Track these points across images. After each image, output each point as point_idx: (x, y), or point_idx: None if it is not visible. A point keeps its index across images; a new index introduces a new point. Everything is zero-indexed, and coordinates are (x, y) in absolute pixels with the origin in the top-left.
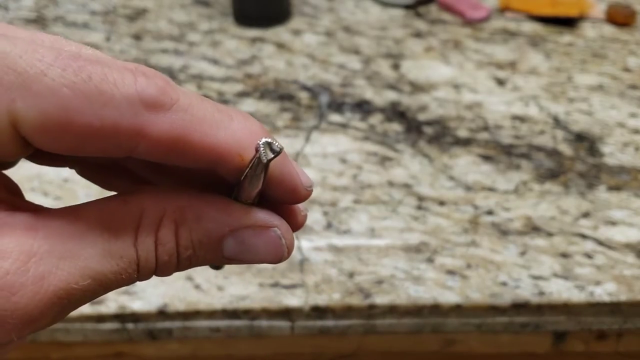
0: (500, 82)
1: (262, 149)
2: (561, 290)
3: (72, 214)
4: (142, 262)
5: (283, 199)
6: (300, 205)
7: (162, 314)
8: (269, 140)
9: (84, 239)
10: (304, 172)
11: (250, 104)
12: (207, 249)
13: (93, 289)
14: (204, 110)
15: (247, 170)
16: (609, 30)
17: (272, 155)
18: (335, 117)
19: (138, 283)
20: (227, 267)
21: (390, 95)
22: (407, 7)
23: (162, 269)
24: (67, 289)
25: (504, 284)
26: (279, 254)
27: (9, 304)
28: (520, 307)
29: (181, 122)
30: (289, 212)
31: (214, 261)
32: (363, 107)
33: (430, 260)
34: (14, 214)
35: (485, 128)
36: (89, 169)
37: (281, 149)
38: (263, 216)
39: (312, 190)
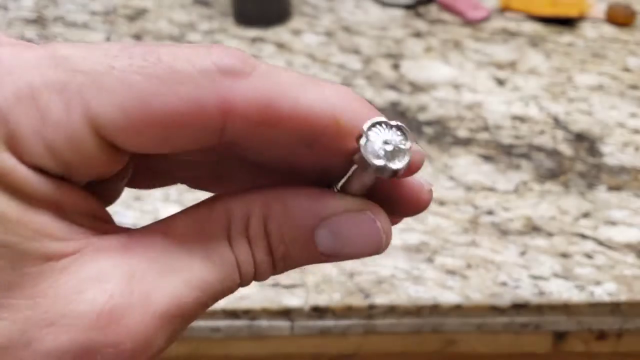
0: (500, 82)
1: (366, 141)
2: (561, 290)
3: (162, 229)
4: (241, 265)
5: (399, 204)
6: (422, 179)
7: None
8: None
9: (181, 251)
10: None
11: None
12: (299, 243)
13: (202, 300)
14: (287, 75)
15: (353, 167)
16: (609, 30)
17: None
18: None
19: None
20: None
21: (390, 95)
22: (407, 7)
23: (260, 271)
24: (176, 303)
25: (504, 284)
26: (376, 240)
27: (120, 328)
28: (520, 307)
29: (266, 87)
30: (409, 192)
31: (310, 259)
32: None
33: (430, 260)
34: (106, 238)
35: (485, 128)
36: (194, 178)
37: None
38: (356, 200)
39: (432, 192)
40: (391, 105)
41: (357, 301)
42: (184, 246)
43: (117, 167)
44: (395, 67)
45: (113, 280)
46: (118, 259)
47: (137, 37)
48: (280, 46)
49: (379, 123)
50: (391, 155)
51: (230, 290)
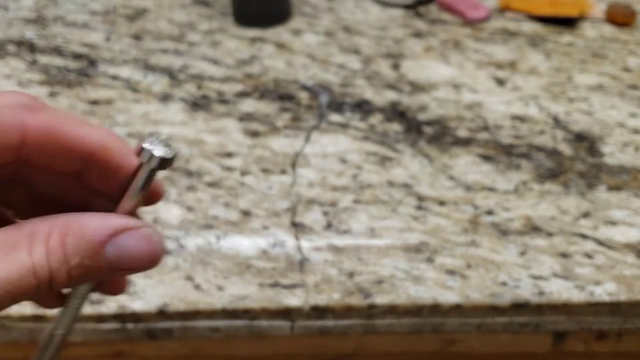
0: (500, 82)
1: (148, 151)
2: (561, 290)
3: None
4: (37, 269)
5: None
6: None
7: (162, 313)
8: (158, 140)
9: None
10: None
11: (250, 104)
12: (90, 255)
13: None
14: (67, 114)
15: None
16: (609, 30)
17: (158, 160)
18: (335, 117)
19: (138, 282)
20: (227, 266)
21: (390, 95)
22: (407, 7)
23: (56, 278)
24: None
25: (504, 284)
26: (153, 252)
27: None
28: (520, 307)
29: (52, 118)
30: (155, 187)
31: (101, 271)
32: (363, 107)
33: (430, 260)
34: None
35: (485, 128)
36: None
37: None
38: (135, 220)
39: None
40: (391, 105)
41: (357, 301)
42: None
43: None
44: (395, 67)
45: None
46: None
47: (137, 37)
48: (280, 46)
49: (151, 136)
50: (163, 150)
51: (29, 290)
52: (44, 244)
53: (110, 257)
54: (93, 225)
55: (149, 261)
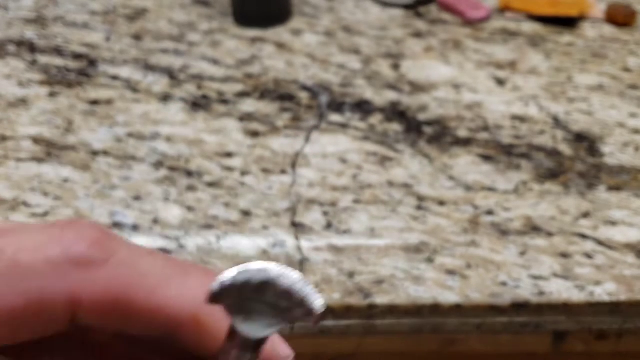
0: (500, 82)
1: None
2: (561, 290)
3: None
4: None
5: None
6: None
7: None
8: None
9: None
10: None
11: (250, 104)
12: None
13: None
14: (150, 264)
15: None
16: (609, 30)
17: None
18: (335, 117)
19: None
20: (227, 266)
21: (390, 95)
22: (407, 7)
23: None
24: None
25: (504, 284)
26: None
27: None
28: (520, 307)
29: (120, 279)
30: None
31: None
32: (363, 107)
33: (430, 260)
34: None
35: (485, 128)
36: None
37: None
38: None
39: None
40: (391, 105)
41: (357, 301)
42: None
43: None
44: (395, 67)
45: None
46: None
47: (137, 37)
48: (280, 46)
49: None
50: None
51: None
52: None
53: None
54: None
55: None
